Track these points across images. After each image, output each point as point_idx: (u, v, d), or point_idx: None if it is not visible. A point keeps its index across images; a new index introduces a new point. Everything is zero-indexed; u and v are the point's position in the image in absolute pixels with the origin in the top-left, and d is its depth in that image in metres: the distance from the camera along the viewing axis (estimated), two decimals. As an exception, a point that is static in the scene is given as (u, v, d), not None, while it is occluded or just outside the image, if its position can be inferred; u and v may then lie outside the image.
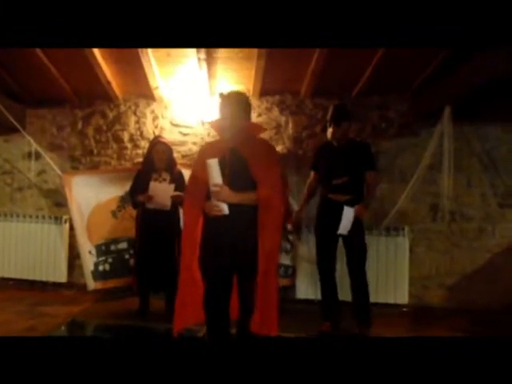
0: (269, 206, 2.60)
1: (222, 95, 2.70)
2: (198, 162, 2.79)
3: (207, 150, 2.79)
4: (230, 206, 2.54)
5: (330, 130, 3.68)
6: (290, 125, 4.89)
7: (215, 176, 2.51)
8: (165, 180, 4.01)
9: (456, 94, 3.97)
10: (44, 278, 5.00)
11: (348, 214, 3.52)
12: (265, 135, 4.84)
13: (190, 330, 3.19)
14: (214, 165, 2.52)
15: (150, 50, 4.08)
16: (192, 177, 2.86)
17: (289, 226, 4.53)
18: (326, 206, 3.72)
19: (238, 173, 2.59)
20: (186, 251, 2.76)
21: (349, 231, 3.55)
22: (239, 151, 2.64)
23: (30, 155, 5.11)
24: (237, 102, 2.65)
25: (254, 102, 4.89)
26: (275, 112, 4.91)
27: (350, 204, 3.55)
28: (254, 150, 2.67)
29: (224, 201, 2.54)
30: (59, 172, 4.80)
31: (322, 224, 3.75)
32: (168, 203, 3.88)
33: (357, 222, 3.57)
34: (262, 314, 2.63)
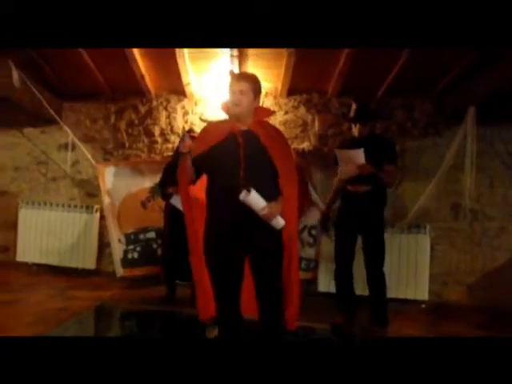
0: (288, 194, 2.55)
1: (237, 74, 2.64)
2: (200, 143, 2.58)
3: (211, 132, 2.63)
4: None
5: (355, 129, 3.63)
6: (316, 123, 5.02)
7: (257, 202, 2.37)
8: (194, 173, 4.14)
9: (480, 95, 4.05)
10: (74, 265, 5.18)
11: (357, 154, 3.41)
12: (291, 132, 5.01)
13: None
14: (253, 195, 2.36)
15: (184, 47, 4.25)
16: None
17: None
18: (345, 199, 3.71)
19: (254, 155, 2.47)
20: (192, 237, 2.70)
21: (367, 226, 3.57)
22: (255, 133, 2.52)
23: (64, 146, 5.32)
24: (253, 82, 2.54)
25: (282, 100, 5.06)
26: (302, 110, 5.05)
27: (369, 196, 3.52)
28: (270, 133, 2.60)
29: (277, 216, 2.43)
30: (93, 162, 5.00)
31: (342, 218, 3.71)
32: None
33: (377, 221, 3.58)
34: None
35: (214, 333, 2.92)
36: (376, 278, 3.59)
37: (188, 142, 2.45)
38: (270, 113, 2.92)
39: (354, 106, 3.67)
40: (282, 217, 2.46)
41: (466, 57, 4.00)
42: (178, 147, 4.25)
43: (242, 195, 2.35)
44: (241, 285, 2.61)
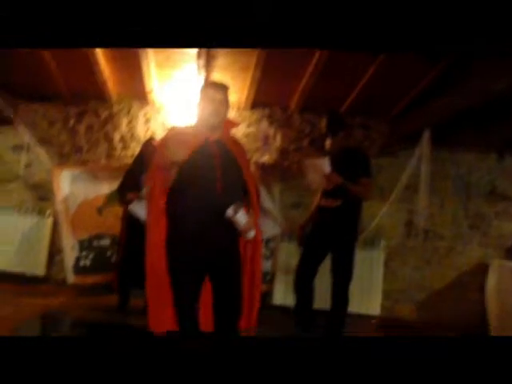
0: (253, 206, 2.58)
1: (214, 83, 2.67)
2: (165, 150, 2.49)
3: (180, 138, 2.54)
4: (219, 208, 2.40)
5: (327, 142, 3.61)
6: (278, 137, 5.10)
7: (242, 218, 2.39)
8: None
9: (435, 118, 4.24)
10: (22, 271, 4.95)
11: (322, 162, 3.42)
12: (252, 145, 5.06)
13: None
14: (240, 213, 2.38)
15: (150, 53, 4.21)
16: (156, 167, 2.56)
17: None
18: (319, 214, 3.65)
19: (227, 165, 2.49)
20: (153, 250, 2.52)
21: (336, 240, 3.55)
22: (226, 144, 2.55)
23: (18, 148, 5.15)
24: (227, 93, 2.58)
25: (245, 113, 5.11)
26: (264, 124, 5.11)
27: (340, 210, 3.47)
28: (238, 146, 2.66)
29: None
30: (50, 165, 4.85)
31: (313, 232, 3.67)
32: None
33: (347, 237, 3.53)
34: (247, 306, 2.60)
35: None
36: (340, 296, 3.53)
37: (183, 151, 2.41)
38: (237, 124, 2.95)
39: (324, 120, 3.65)
40: None
41: (422, 81, 4.19)
42: (140, 153, 4.23)
43: (230, 213, 2.36)
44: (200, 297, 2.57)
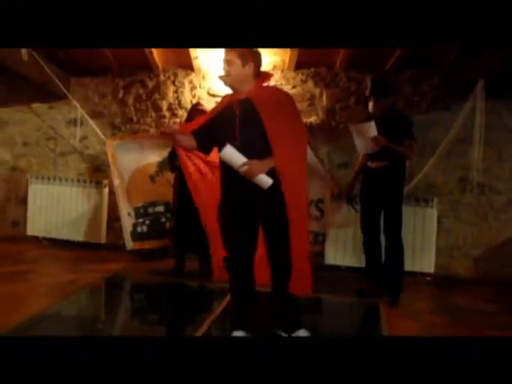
0: (290, 160, 2.47)
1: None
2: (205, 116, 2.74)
3: (221, 103, 2.68)
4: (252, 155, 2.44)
5: (370, 105, 3.68)
6: (324, 97, 5.01)
7: (236, 158, 2.40)
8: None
9: (488, 67, 4.04)
10: (84, 239, 5.26)
11: (368, 126, 3.46)
12: (299, 106, 4.94)
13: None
14: (228, 151, 2.41)
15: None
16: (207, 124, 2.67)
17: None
18: (366, 175, 3.81)
19: (249, 123, 2.46)
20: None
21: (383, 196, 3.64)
22: (251, 101, 2.47)
23: (72, 122, 5.37)
24: (239, 50, 2.47)
25: (290, 73, 5.04)
26: (310, 84, 5.03)
27: (387, 171, 3.58)
28: (268, 98, 2.51)
29: (258, 174, 2.41)
30: (103, 137, 5.03)
31: (364, 192, 3.83)
32: None
33: (395, 195, 3.64)
34: (295, 271, 2.53)
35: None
36: (394, 247, 3.67)
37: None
38: (268, 76, 2.71)
39: (368, 82, 3.72)
40: (286, 179, 2.43)
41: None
42: (187, 119, 4.29)
43: (220, 153, 2.45)
44: (254, 252, 2.63)
